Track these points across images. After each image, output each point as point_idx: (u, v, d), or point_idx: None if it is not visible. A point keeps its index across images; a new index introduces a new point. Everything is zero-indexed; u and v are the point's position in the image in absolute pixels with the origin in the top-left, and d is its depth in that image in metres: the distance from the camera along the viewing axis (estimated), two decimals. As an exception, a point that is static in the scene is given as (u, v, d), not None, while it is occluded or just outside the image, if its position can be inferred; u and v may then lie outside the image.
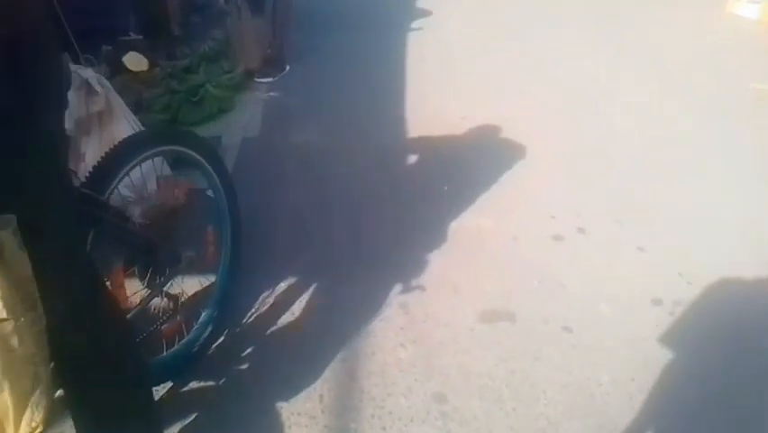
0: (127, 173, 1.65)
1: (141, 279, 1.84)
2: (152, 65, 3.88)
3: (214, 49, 4.08)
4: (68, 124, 2.42)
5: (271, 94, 3.95)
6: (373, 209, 2.75)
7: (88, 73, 2.39)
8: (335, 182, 2.98)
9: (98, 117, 2.52)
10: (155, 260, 1.82)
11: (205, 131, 3.39)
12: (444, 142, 3.35)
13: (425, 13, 5.52)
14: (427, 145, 3.30)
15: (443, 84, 4.06)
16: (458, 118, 3.56)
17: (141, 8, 4.31)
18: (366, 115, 3.66)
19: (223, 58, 4.10)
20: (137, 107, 3.50)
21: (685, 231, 2.56)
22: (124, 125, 2.58)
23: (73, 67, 2.36)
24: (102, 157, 1.63)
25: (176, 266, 1.88)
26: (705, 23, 5.29)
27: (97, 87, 2.41)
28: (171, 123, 3.48)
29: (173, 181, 2.01)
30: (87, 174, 1.54)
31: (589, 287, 2.22)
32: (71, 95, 2.35)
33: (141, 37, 4.16)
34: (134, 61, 3.82)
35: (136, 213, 1.79)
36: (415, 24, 5.17)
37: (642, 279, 2.27)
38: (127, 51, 3.88)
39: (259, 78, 4.09)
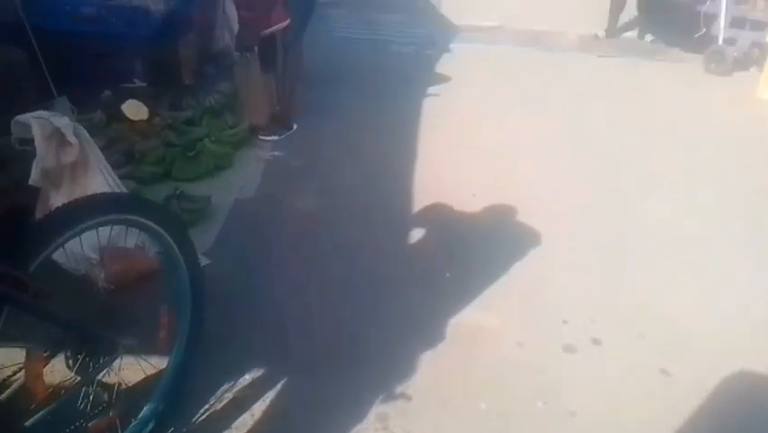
0: (61, 245, 1.40)
1: (70, 365, 1.56)
2: (153, 114, 3.72)
3: (220, 102, 3.92)
4: (36, 175, 2.21)
5: (274, 153, 3.74)
6: (364, 294, 2.46)
7: (62, 121, 2.17)
8: (326, 259, 2.71)
9: (71, 169, 2.30)
10: (87, 345, 1.54)
11: (197, 188, 3.17)
12: (452, 222, 3.08)
13: (443, 79, 5.34)
14: (433, 223, 3.03)
15: (455, 156, 3.83)
16: (469, 195, 3.30)
17: (151, 55, 4.20)
18: (371, 184, 3.42)
19: (228, 112, 3.93)
20: (128, 159, 3.30)
21: (721, 356, 2.20)
22: (99, 180, 2.35)
23: (45, 114, 2.15)
24: (32, 223, 1.39)
25: (112, 353, 1.60)
26: (736, 107, 5.05)
27: (70, 138, 2.19)
28: (163, 177, 3.27)
29: (124, 254, 1.75)
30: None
31: (602, 417, 1.88)
32: (40, 143, 2.14)
33: (145, 84, 4.03)
34: (134, 110, 3.66)
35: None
36: (432, 90, 4.99)
37: (664, 412, 1.92)
38: (128, 98, 3.74)
39: (263, 135, 3.89)
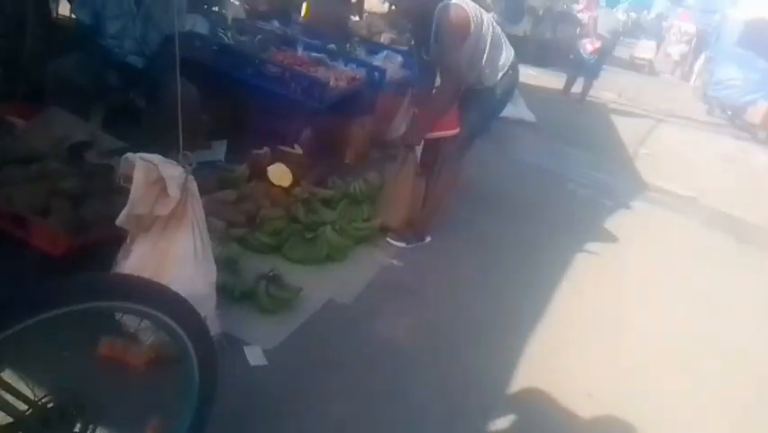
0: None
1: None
2: (295, 184, 3.64)
3: (364, 191, 3.76)
4: (123, 217, 2.10)
5: (393, 262, 3.43)
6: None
7: (171, 171, 2.06)
8: (389, 402, 2.29)
9: (164, 220, 2.17)
10: None
11: (299, 272, 2.96)
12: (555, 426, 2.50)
13: (609, 237, 4.63)
14: (526, 414, 2.48)
15: (584, 340, 3.23)
16: (584, 394, 2.70)
17: (321, 126, 4.21)
18: (470, 334, 2.96)
19: (368, 203, 3.74)
20: (250, 221, 3.20)
21: None
22: (185, 241, 2.19)
23: (157, 159, 2.05)
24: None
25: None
26: None
27: (171, 191, 2.07)
28: (273, 249, 3.11)
29: (123, 347, 1.50)
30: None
31: None
32: (137, 187, 2.03)
33: (301, 152, 4.00)
34: (279, 174, 3.62)
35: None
36: (591, 246, 4.37)
37: None
38: (280, 161, 3.71)
39: (392, 238, 3.62)
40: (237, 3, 6.48)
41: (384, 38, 5.68)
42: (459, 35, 3.26)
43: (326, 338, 2.63)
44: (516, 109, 7.75)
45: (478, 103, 3.54)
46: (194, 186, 2.19)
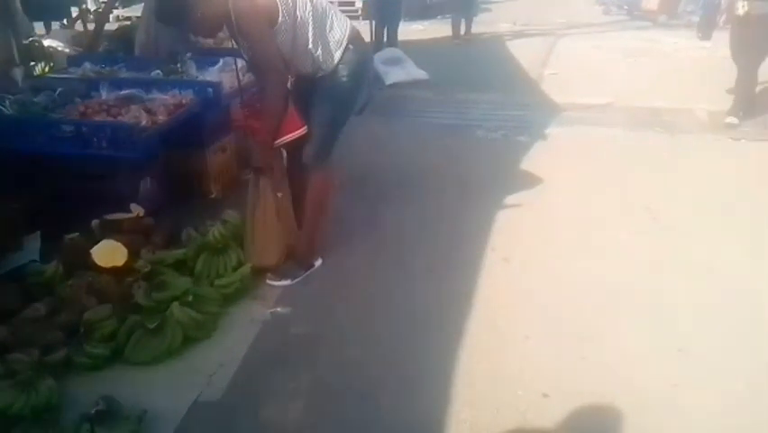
0: None
1: None
2: (133, 257, 2.90)
3: (224, 235, 3.04)
4: None
5: (277, 310, 2.73)
6: None
7: None
8: None
9: None
10: None
11: (144, 383, 2.25)
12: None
13: (529, 181, 4.06)
14: None
15: (526, 314, 2.64)
16: (538, 394, 2.10)
17: (161, 175, 3.46)
18: (392, 375, 2.31)
19: (234, 249, 3.03)
20: (71, 335, 2.45)
21: None
22: None
23: None
24: None
25: None
26: None
27: None
28: (111, 360, 2.38)
29: None
30: None
31: None
32: None
33: (137, 213, 3.24)
34: (107, 254, 2.87)
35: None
36: (511, 198, 3.79)
37: None
38: (107, 236, 2.96)
39: (272, 279, 2.94)
40: (61, 48, 5.71)
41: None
42: (261, 22, 2.59)
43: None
44: (404, 71, 7.16)
45: (322, 92, 2.87)
46: None
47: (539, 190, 3.94)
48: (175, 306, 2.49)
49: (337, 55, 2.78)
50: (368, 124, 5.53)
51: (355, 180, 4.04)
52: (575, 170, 4.30)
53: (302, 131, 2.84)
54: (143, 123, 3.11)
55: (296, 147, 2.97)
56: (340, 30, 2.80)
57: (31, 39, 5.40)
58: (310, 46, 2.73)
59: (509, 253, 3.13)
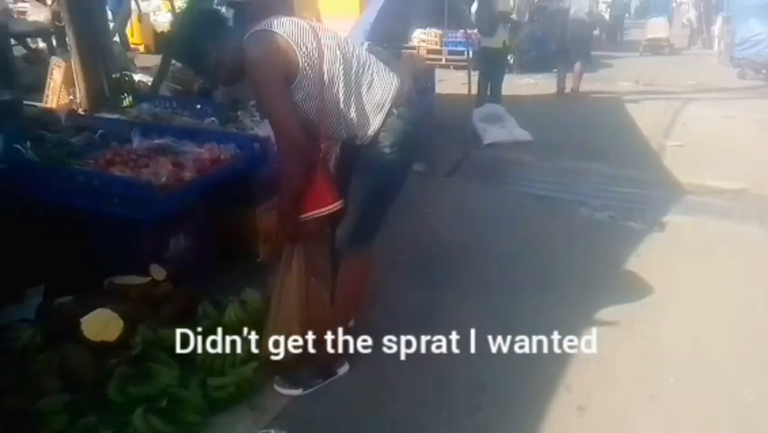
0: None
1: None
2: (129, 329, 2.47)
3: (241, 318, 2.54)
4: None
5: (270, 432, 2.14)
6: None
7: None
8: None
9: None
10: None
11: None
12: None
13: (637, 290, 3.18)
14: None
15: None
16: None
17: (199, 233, 3.05)
18: None
19: (248, 336, 2.50)
20: (13, 424, 2.00)
21: None
22: None
23: None
24: None
25: None
26: None
27: None
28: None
29: None
30: None
31: None
32: None
33: (160, 277, 2.83)
34: (98, 326, 2.46)
35: None
36: (606, 313, 2.93)
37: None
38: (111, 301, 2.56)
39: (279, 385, 2.36)
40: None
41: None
42: (274, 76, 2.12)
43: None
44: (505, 130, 6.54)
45: (362, 164, 2.33)
46: None
47: (645, 304, 3.07)
48: (138, 414, 1.98)
49: (377, 121, 2.23)
50: (455, 189, 4.98)
51: (421, 259, 3.44)
52: (698, 278, 3.40)
53: (334, 206, 2.30)
54: (163, 179, 2.70)
55: (338, 223, 2.43)
56: (382, 90, 2.25)
57: (122, 72, 5.36)
58: (342, 107, 2.20)
59: (588, 399, 2.34)
